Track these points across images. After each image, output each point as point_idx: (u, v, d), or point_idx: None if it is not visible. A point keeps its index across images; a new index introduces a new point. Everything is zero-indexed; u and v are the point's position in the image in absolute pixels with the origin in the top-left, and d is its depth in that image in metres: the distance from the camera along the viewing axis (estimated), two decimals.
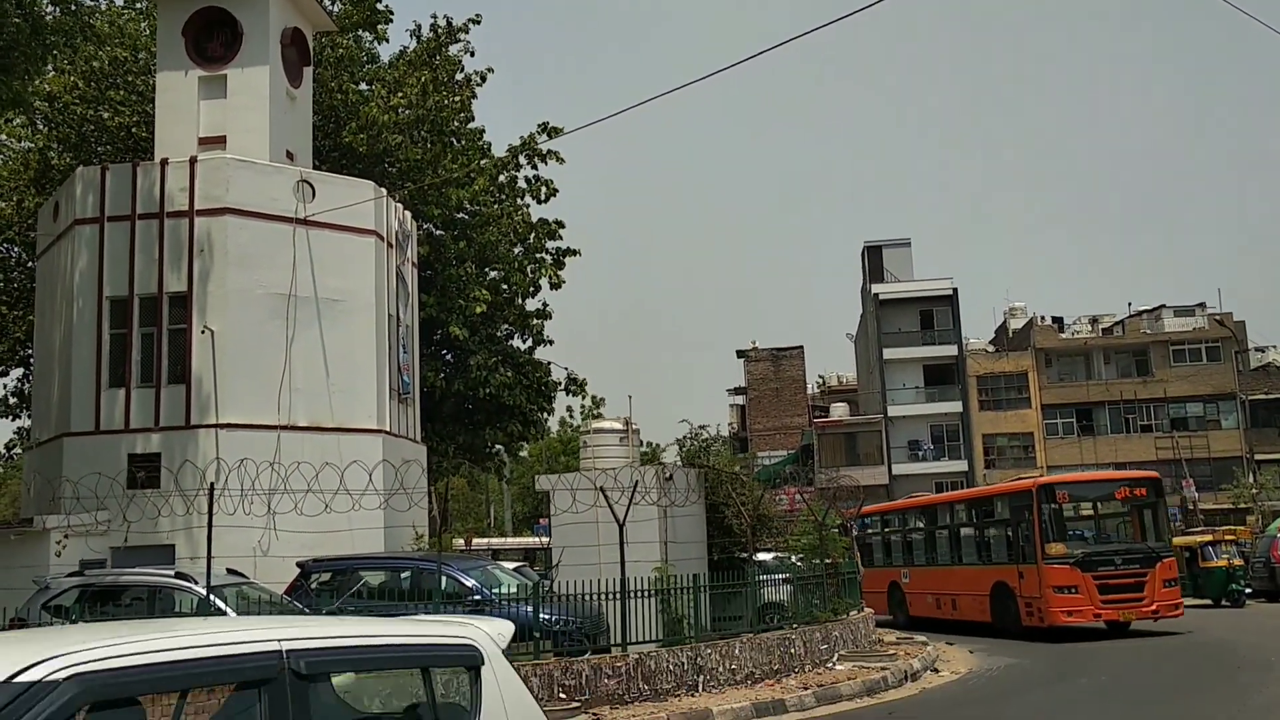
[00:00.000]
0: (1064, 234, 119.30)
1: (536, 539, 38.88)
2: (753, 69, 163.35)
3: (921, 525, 25.14)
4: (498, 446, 30.57)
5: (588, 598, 13.35)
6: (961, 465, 54.32)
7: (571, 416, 54.20)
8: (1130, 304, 59.11)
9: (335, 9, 25.82)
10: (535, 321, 28.73)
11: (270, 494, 14.18)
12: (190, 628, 3.57)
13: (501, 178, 27.33)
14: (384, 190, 21.20)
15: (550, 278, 27.77)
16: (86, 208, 19.45)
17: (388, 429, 20.12)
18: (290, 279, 19.20)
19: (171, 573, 13.81)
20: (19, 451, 27.23)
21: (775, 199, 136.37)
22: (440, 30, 26.82)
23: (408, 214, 22.82)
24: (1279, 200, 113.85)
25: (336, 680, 3.82)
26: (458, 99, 26.38)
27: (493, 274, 27.08)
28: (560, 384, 29.04)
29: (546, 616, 13.07)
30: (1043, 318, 58.85)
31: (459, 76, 26.85)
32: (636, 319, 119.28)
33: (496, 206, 26.93)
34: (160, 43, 21.05)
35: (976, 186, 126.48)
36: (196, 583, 12.93)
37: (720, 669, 13.77)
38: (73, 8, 18.71)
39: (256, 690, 3.24)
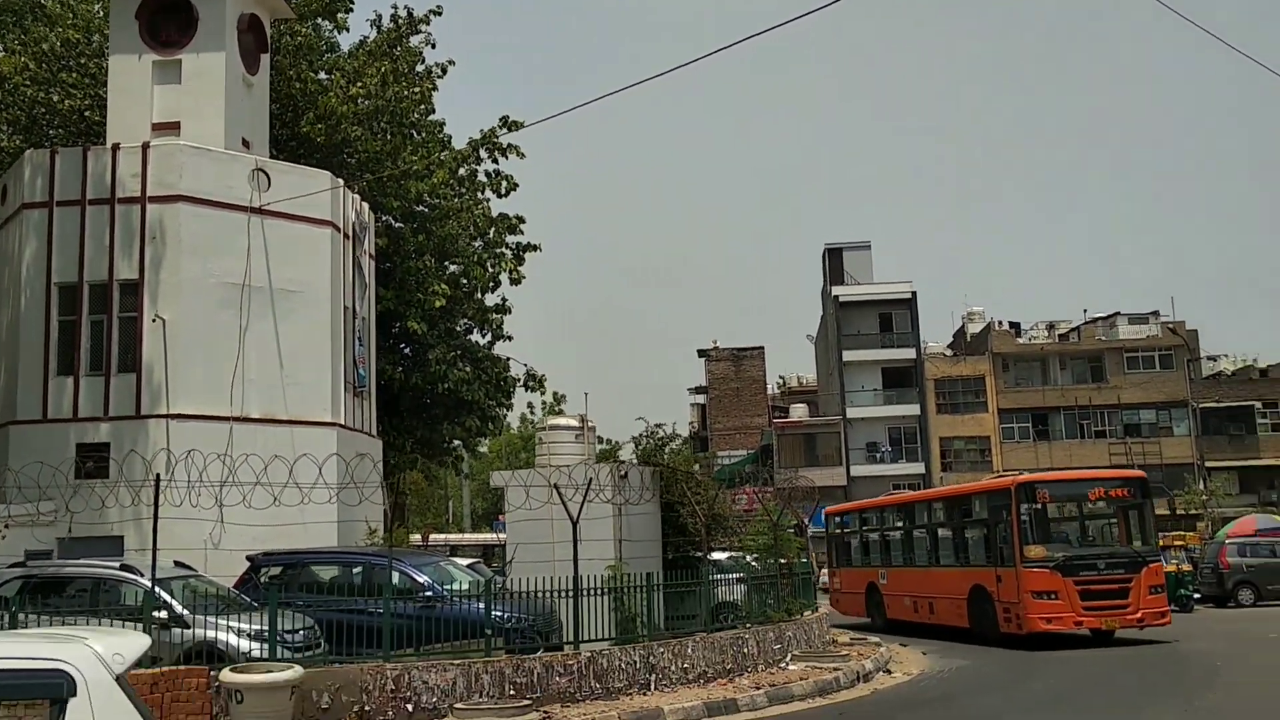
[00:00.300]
0: (1024, 239, 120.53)
1: (495, 536, 38.70)
2: (720, 65, 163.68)
3: (899, 524, 24.22)
4: (456, 442, 30.38)
5: (541, 595, 13.24)
6: (919, 467, 54.70)
7: (532, 413, 54.00)
8: (1086, 311, 59.77)
9: None
10: (495, 316, 28.55)
11: (219, 486, 13.95)
12: None
13: (462, 171, 27.12)
14: (341, 181, 20.96)
15: (511, 273, 27.60)
16: (35, 191, 19.07)
17: (342, 422, 19.90)
18: (244, 268, 18.95)
19: (117, 565, 13.55)
20: None
21: (739, 198, 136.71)
22: (401, 21, 26.55)
23: (365, 205, 22.58)
24: (1234, 210, 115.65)
25: None
26: (418, 90, 26.14)
27: (452, 268, 26.86)
28: (520, 380, 28.89)
29: (499, 614, 12.95)
30: (1000, 323, 59.36)
31: (420, 68, 26.60)
32: (599, 316, 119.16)
33: (456, 200, 26.72)
34: (113, 25, 20.69)
35: (937, 190, 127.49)
36: (142, 575, 12.70)
37: (673, 668, 13.70)
38: None
39: None
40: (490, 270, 27.54)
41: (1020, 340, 58.44)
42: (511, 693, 12.08)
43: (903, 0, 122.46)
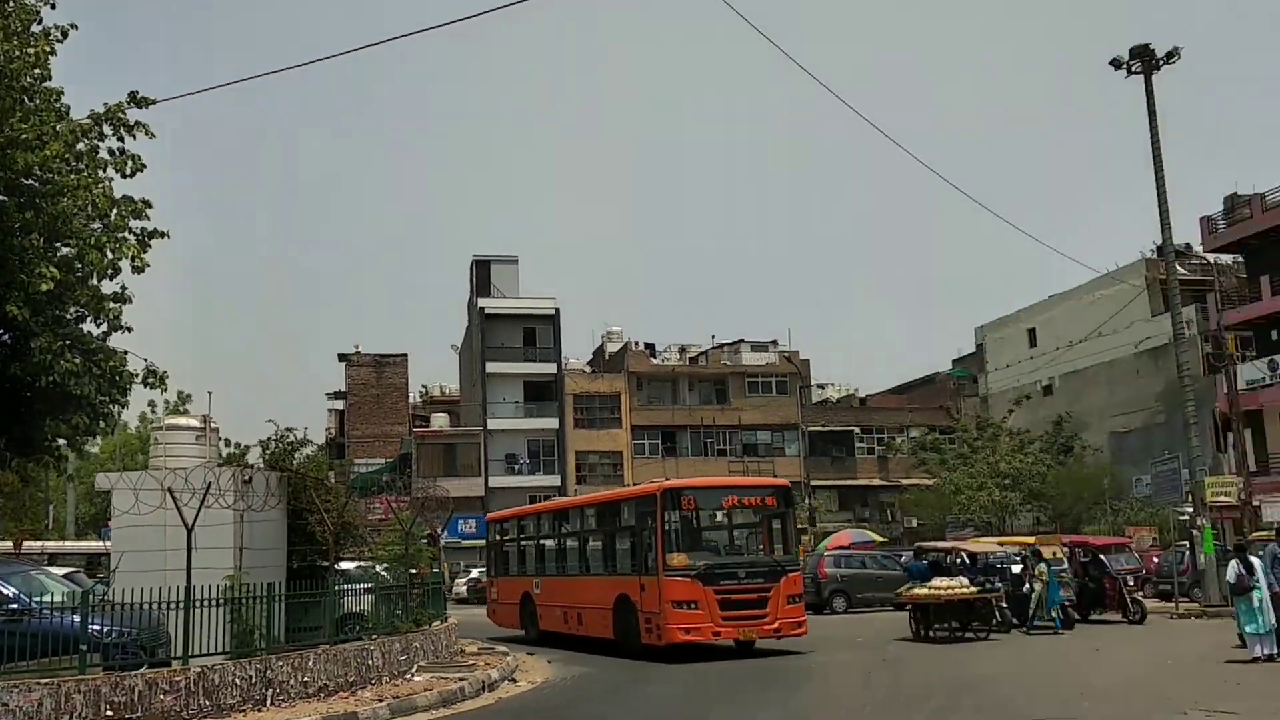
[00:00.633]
0: (661, 265, 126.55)
1: (103, 543, 35.60)
2: (375, 61, 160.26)
3: (554, 531, 23.46)
4: (60, 441, 27.61)
5: (147, 607, 12.30)
6: (555, 480, 55.92)
7: (154, 412, 50.22)
8: (714, 336, 63.68)
9: None
10: (113, 306, 26.21)
11: None
12: None
13: (81, 146, 24.80)
14: None
15: (133, 260, 25.49)
16: None
17: None
18: None
19: None
20: None
21: (390, 206, 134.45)
22: None
23: None
24: (845, 249, 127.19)
25: None
26: (32, 52, 23.68)
27: (64, 250, 24.43)
28: (138, 375, 26.70)
29: (97, 627, 11.91)
30: (637, 343, 62.05)
31: (35, 28, 24.11)
32: (237, 313, 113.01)
33: (73, 176, 24.37)
34: None
35: (583, 211, 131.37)
36: None
37: (292, 682, 13.16)
38: None
39: None
40: (110, 256, 25.28)
41: (655, 361, 61.34)
42: (109, 713, 11.14)
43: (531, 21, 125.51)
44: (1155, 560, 32.51)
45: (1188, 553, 28.86)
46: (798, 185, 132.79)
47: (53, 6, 24.29)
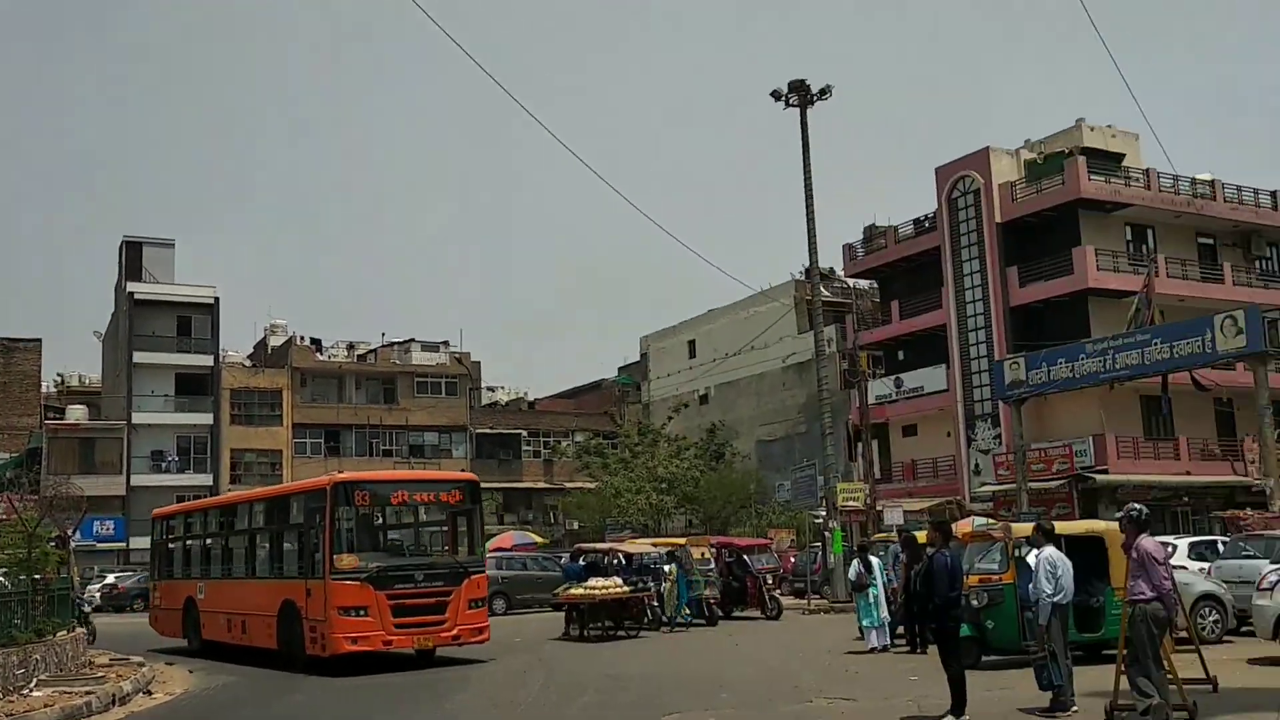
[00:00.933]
0: (333, 259, 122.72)
1: None
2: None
3: (220, 529, 21.39)
4: None
5: None
6: (207, 479, 52.89)
7: None
8: (384, 334, 62.51)
9: None
10: None
11: None
12: None
13: None
14: None
15: None
16: None
17: None
18: None
19: None
20: None
21: (21, 172, 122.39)
22: None
23: None
24: (520, 253, 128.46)
25: None
26: None
27: None
28: None
29: None
30: (303, 338, 59.83)
31: None
32: None
33: None
34: None
35: (249, 199, 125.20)
36: None
37: None
38: None
39: None
40: None
41: (321, 357, 59.37)
42: None
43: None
44: (792, 560, 35.03)
45: (820, 553, 31.33)
46: (473, 186, 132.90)
47: None
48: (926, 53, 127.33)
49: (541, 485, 61.26)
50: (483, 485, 19.40)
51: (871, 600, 18.21)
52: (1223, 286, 39.23)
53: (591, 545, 29.01)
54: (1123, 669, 10.23)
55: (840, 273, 51.27)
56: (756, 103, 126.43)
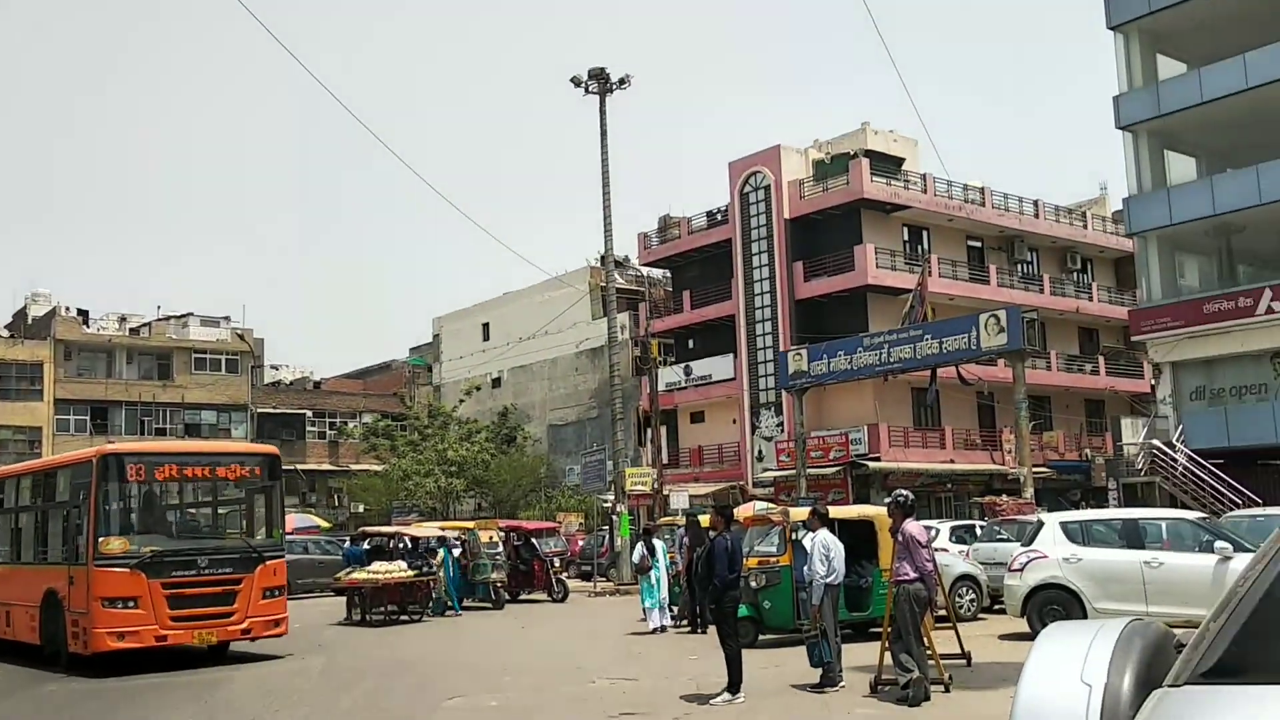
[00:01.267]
0: (106, 225, 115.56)
1: None
2: None
3: None
4: None
5: None
6: None
7: None
8: (160, 307, 59.41)
9: None
10: None
11: None
12: None
13: None
14: None
15: None
16: None
17: None
18: None
19: None
20: None
21: None
22: None
23: None
24: (299, 225, 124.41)
25: None
26: None
27: None
28: None
29: None
30: (68, 309, 56.18)
31: None
32: None
33: None
34: None
35: (10, 155, 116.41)
36: None
37: None
38: None
39: None
40: None
41: (88, 329, 55.90)
42: None
43: None
44: (580, 543, 35.38)
45: (608, 536, 31.75)
46: (260, 157, 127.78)
47: None
48: (724, 49, 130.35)
49: (326, 467, 59.62)
50: None
51: (654, 582, 18.62)
52: (988, 287, 41.82)
53: (377, 529, 28.50)
54: (887, 646, 10.82)
55: (635, 261, 51.95)
56: (559, 89, 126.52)
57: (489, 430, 50.44)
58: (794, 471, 34.99)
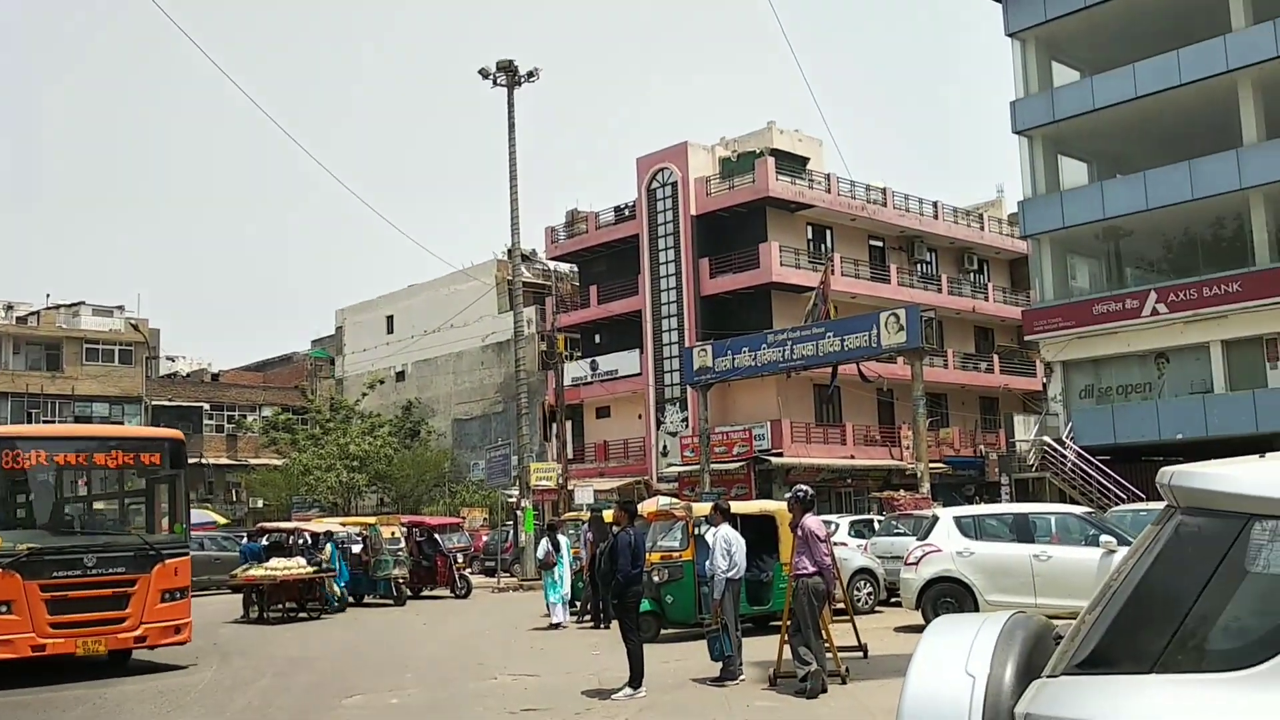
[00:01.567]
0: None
1: None
2: None
3: None
4: None
5: None
6: None
7: None
8: (49, 295, 57.42)
9: None
10: None
11: None
12: None
13: None
14: None
15: None
16: None
17: None
18: None
19: None
20: None
21: None
22: None
23: None
24: (199, 215, 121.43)
25: None
26: None
27: None
28: None
29: None
30: None
31: None
32: None
33: None
34: None
35: None
36: None
37: None
38: None
39: None
40: None
41: None
42: None
43: None
44: (484, 539, 35.18)
45: (512, 532, 31.63)
46: (157, 146, 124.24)
47: None
48: (632, 45, 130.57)
49: (224, 461, 58.29)
50: None
51: (558, 578, 18.64)
52: (889, 286, 42.65)
53: (275, 525, 27.98)
54: (786, 639, 10.99)
55: (542, 255, 51.80)
56: (468, 81, 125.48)
57: (392, 424, 49.86)
58: (698, 467, 35.25)
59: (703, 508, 15.46)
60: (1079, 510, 17.10)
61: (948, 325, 43.70)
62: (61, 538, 13.83)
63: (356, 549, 24.90)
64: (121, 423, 55.16)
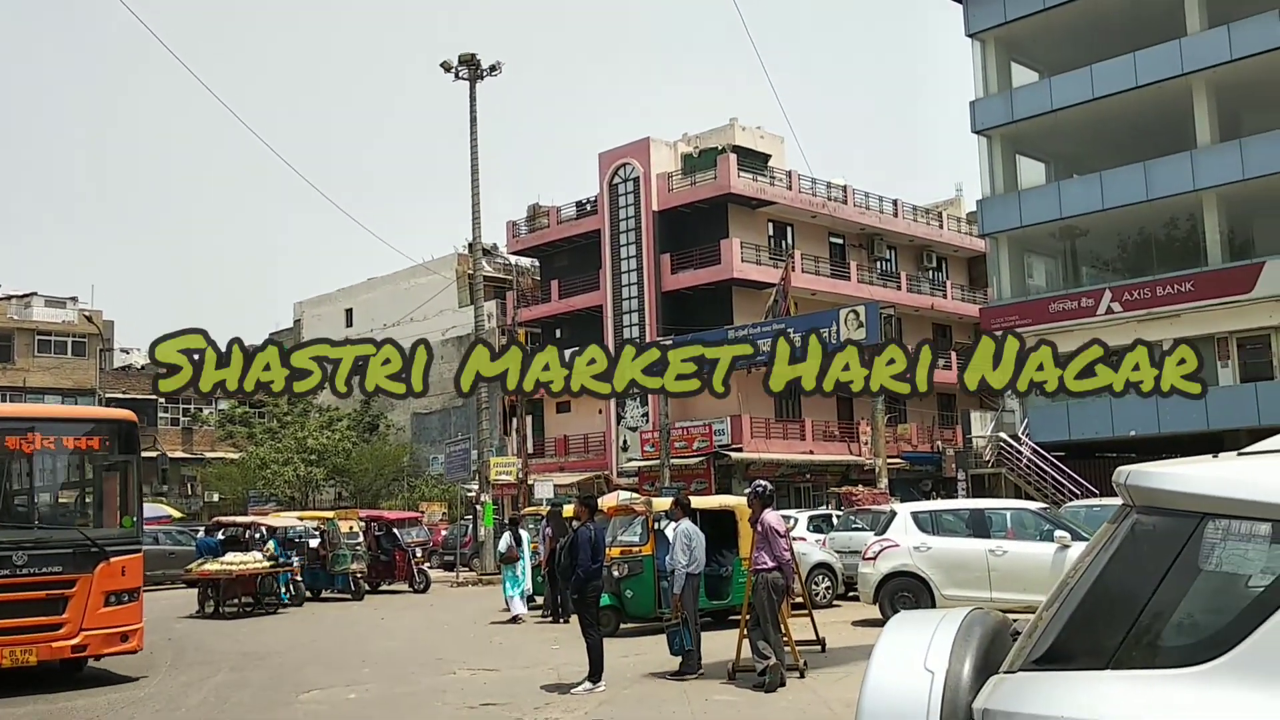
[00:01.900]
0: None
1: None
2: None
3: None
4: None
5: None
6: None
7: None
8: (1, 286, 56.44)
9: None
10: None
11: None
12: None
13: None
14: None
15: None
16: None
17: None
18: None
19: None
20: None
21: None
22: None
23: None
24: (154, 206, 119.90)
25: None
26: None
27: None
28: None
29: None
30: None
31: None
32: None
33: None
34: None
35: None
36: None
37: None
38: None
39: None
40: None
41: None
42: None
43: None
44: (443, 533, 35.03)
45: (471, 526, 31.52)
46: (112, 138, 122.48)
47: None
48: (596, 40, 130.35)
49: (180, 454, 57.56)
50: None
51: (519, 573, 18.62)
52: (849, 283, 42.91)
53: (231, 519, 27.73)
54: (745, 633, 11.04)
55: (503, 249, 51.62)
56: (431, 74, 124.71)
57: (350, 418, 49.51)
58: (658, 461, 35.30)
59: (663, 503, 15.47)
60: (1034, 506, 17.32)
61: (907, 322, 43.93)
62: None
63: (314, 543, 24.71)
64: None
